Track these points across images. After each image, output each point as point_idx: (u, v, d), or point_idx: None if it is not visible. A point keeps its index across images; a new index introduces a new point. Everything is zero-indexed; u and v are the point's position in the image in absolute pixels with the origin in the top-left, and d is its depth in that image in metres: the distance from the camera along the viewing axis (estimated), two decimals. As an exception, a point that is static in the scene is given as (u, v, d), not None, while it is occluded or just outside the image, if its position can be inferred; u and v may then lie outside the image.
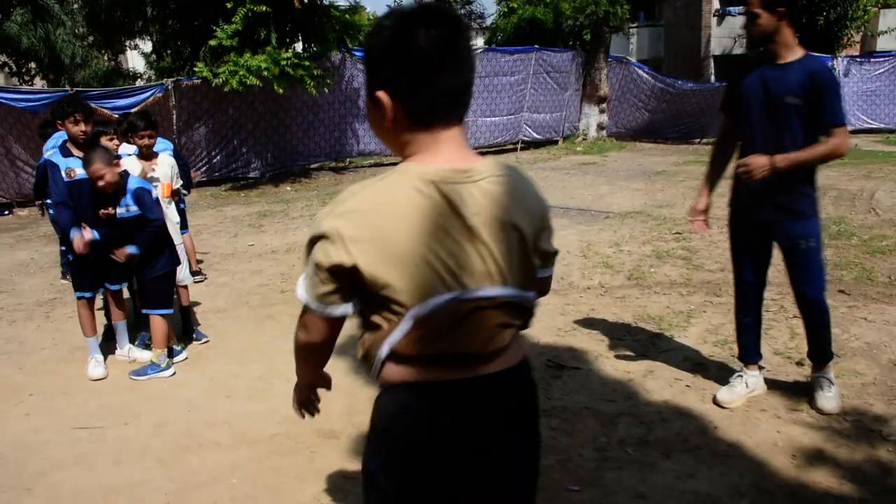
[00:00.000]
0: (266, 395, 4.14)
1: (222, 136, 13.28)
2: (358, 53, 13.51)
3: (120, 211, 4.38)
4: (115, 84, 14.73)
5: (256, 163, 13.68)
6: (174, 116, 12.56)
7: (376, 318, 1.49)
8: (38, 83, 16.34)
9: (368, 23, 14.15)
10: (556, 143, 16.91)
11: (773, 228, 3.52)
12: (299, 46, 13.41)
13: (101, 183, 4.21)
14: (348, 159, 14.92)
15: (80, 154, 4.54)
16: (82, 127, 4.59)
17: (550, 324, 5.07)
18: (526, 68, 15.74)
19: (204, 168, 13.52)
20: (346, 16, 12.67)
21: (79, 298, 4.67)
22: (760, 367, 3.86)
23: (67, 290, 6.10)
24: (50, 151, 5.28)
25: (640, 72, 17.14)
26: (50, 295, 6.50)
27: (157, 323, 4.52)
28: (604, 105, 17.09)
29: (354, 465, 3.28)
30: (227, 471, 3.33)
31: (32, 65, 16.34)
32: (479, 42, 22.55)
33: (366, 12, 14.01)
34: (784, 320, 4.88)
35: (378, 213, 1.43)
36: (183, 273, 5.17)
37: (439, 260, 1.44)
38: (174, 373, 4.54)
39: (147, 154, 5.11)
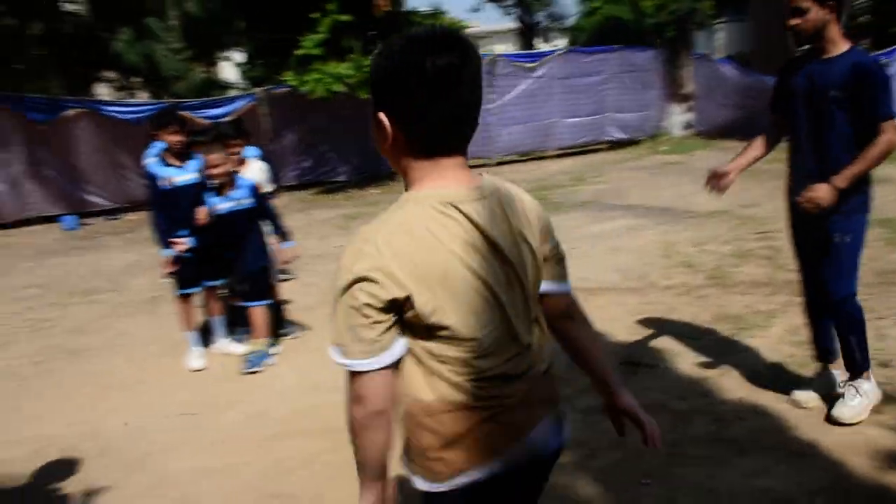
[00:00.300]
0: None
1: (310, 141, 13.79)
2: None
3: (230, 205, 4.75)
4: (210, 94, 15.43)
5: (343, 167, 14.14)
6: (265, 124, 13.12)
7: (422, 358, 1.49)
8: (142, 96, 17.41)
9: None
10: (640, 142, 16.69)
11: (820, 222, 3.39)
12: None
13: (214, 171, 4.64)
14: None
15: (178, 163, 4.93)
16: (178, 137, 4.96)
17: (628, 322, 5.12)
18: (608, 68, 15.60)
19: (294, 173, 14.07)
20: (427, 21, 12.95)
21: (179, 296, 5.06)
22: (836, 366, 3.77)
23: (169, 288, 6.55)
24: (150, 160, 5.69)
25: (726, 68, 16.71)
26: (154, 293, 6.97)
27: (259, 313, 4.89)
28: (688, 103, 16.75)
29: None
30: (313, 457, 3.57)
31: (137, 79, 17.42)
32: (560, 43, 22.48)
33: (446, 17, 14.16)
34: (871, 321, 4.77)
35: (411, 242, 1.41)
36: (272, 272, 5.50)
37: (482, 280, 1.46)
38: (273, 362, 4.87)
39: (238, 161, 5.45)
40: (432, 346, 1.46)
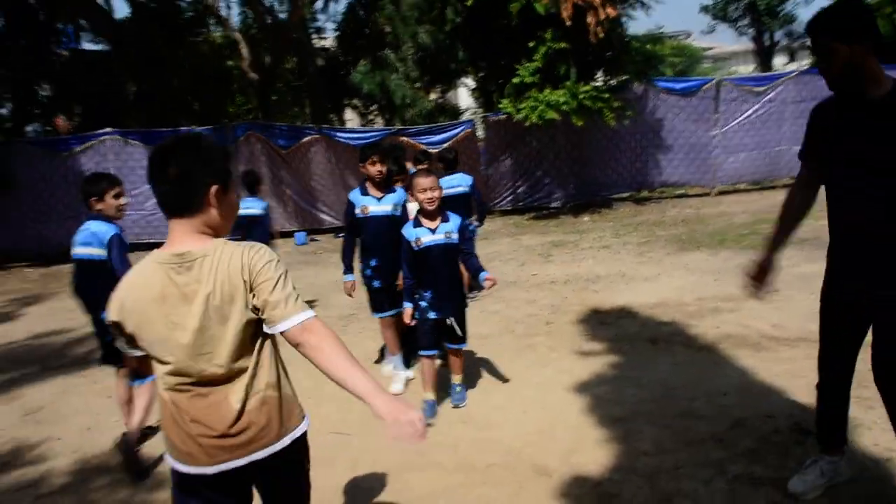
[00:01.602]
0: (498, 425, 4.25)
1: (526, 167, 13.92)
2: (661, 84, 13.26)
3: (437, 238, 4.33)
4: (437, 120, 16.17)
5: (558, 193, 14.09)
6: (482, 150, 13.48)
7: None
8: (378, 122, 18.79)
9: (671, 51, 13.83)
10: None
11: (874, 302, 2.82)
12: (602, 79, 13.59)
13: (427, 196, 4.25)
14: (650, 190, 14.62)
15: (377, 193, 5.08)
16: (378, 167, 5.02)
17: (803, 381, 4.47)
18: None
19: (509, 198, 14.28)
20: (648, 46, 12.52)
21: (380, 319, 5.23)
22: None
23: (365, 307, 6.90)
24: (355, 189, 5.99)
25: None
26: (350, 311, 7.39)
27: (461, 354, 4.72)
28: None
29: (557, 506, 3.27)
30: (439, 492, 3.52)
31: (374, 107, 18.82)
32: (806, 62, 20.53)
33: (668, 42, 13.59)
34: None
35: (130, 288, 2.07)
36: None
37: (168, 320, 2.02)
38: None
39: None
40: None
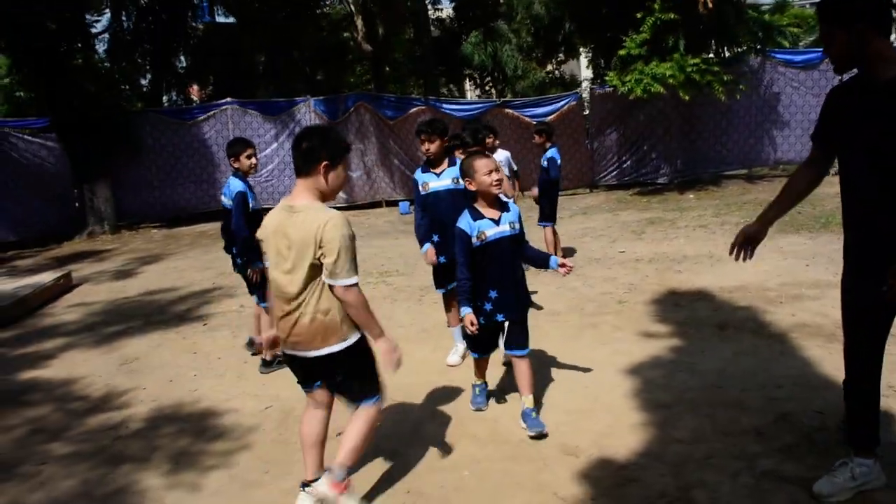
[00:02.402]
0: (540, 402, 4.27)
1: (633, 141, 13.55)
2: (779, 56, 12.45)
3: (503, 230, 3.86)
4: (548, 92, 15.97)
5: (665, 168, 13.64)
6: (587, 123, 13.23)
7: None
8: (493, 94, 18.71)
9: (791, 21, 12.87)
10: None
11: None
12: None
13: (494, 178, 3.77)
14: (765, 168, 13.85)
15: (436, 170, 5.13)
16: (429, 145, 5.03)
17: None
18: None
19: (614, 172, 13.96)
20: (766, 16, 11.76)
21: (442, 294, 5.34)
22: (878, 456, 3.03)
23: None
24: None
25: None
26: (429, 283, 7.54)
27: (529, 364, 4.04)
28: None
29: (572, 487, 3.29)
30: (465, 462, 3.61)
31: (488, 78, 18.77)
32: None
33: (792, 10, 12.69)
34: None
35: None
36: None
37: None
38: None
39: None
40: None
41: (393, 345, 3.06)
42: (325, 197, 3.03)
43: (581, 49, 17.19)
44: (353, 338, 3.07)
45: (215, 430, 4.31)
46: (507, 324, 4.00)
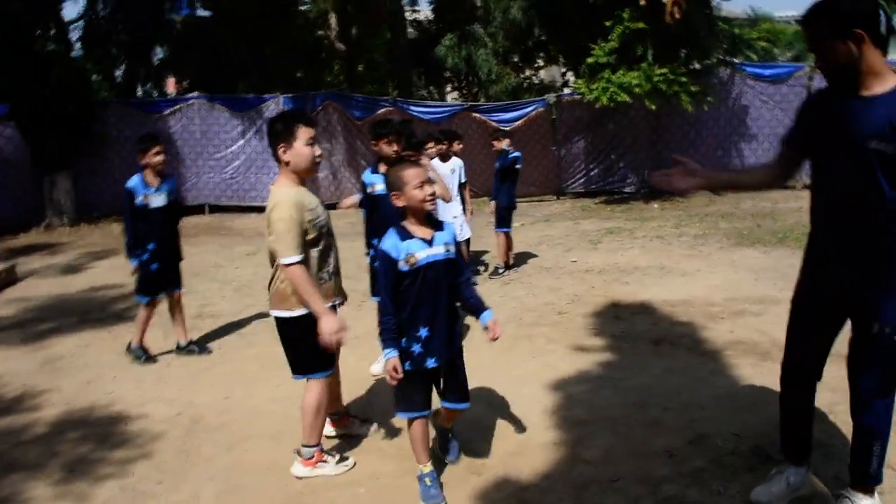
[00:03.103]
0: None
1: (600, 150, 13.48)
2: (748, 69, 12.43)
3: (437, 252, 3.16)
4: (523, 97, 15.88)
5: (632, 178, 13.59)
6: (554, 130, 13.15)
7: None
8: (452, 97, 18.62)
9: (761, 35, 12.86)
10: None
11: (852, 299, 2.71)
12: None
13: (425, 192, 3.12)
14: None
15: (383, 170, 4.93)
16: (395, 147, 4.85)
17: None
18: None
19: (581, 180, 13.89)
20: (737, 29, 11.73)
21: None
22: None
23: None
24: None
25: None
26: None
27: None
28: None
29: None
30: (364, 478, 3.48)
31: (464, 82, 18.65)
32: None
33: (764, 25, 12.66)
34: None
35: None
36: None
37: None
38: None
39: None
40: None
41: (335, 326, 3.22)
42: (298, 176, 3.37)
43: (559, 56, 17.16)
44: (298, 312, 3.34)
45: (120, 437, 4.15)
46: (441, 370, 3.30)
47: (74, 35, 18.87)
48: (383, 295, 3.15)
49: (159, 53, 22.63)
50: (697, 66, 12.35)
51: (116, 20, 18.84)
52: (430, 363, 3.18)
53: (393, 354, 3.11)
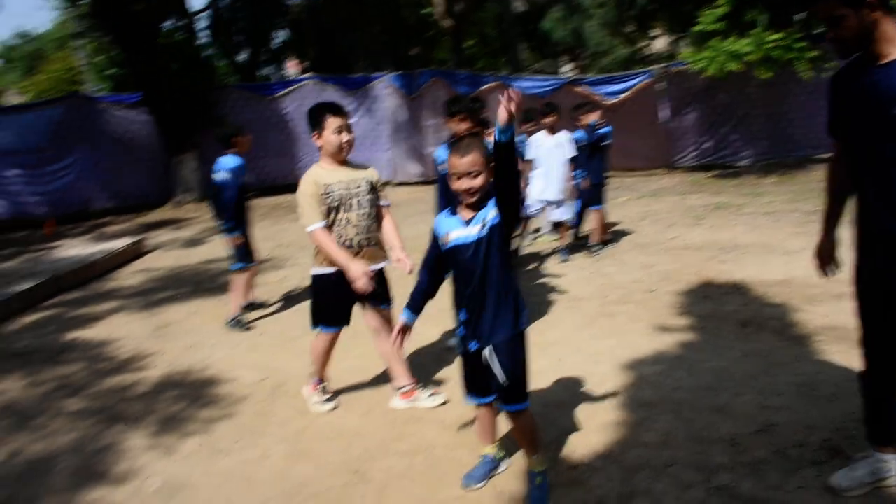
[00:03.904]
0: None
1: (712, 121, 12.90)
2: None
3: (470, 233, 2.95)
4: (634, 69, 15.42)
5: (747, 151, 12.92)
6: (662, 102, 12.68)
7: None
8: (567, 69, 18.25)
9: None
10: None
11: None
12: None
13: (463, 185, 2.93)
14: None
15: None
16: (466, 125, 4.82)
17: None
18: None
19: (693, 153, 13.37)
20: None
21: None
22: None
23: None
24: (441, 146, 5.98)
25: None
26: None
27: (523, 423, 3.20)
28: None
29: (513, 482, 3.22)
30: (422, 447, 3.60)
31: (564, 55, 18.29)
32: None
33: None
34: None
35: None
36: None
37: None
38: None
39: None
40: None
41: (356, 274, 3.69)
42: (332, 158, 3.93)
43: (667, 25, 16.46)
44: (314, 270, 3.98)
45: (208, 398, 4.49)
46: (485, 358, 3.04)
47: (201, 24, 19.96)
48: (422, 264, 3.20)
49: (279, 37, 23.63)
50: (819, 29, 11.50)
51: (238, 8, 19.79)
52: (472, 346, 3.06)
53: (404, 317, 3.19)
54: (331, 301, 4.01)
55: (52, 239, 11.62)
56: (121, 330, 6.14)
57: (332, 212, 3.87)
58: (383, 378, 4.45)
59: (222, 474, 3.54)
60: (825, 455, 3.24)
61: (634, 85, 12.75)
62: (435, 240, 3.13)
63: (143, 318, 6.48)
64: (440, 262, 3.13)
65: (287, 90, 14.89)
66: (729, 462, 3.26)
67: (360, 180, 3.94)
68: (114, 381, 4.93)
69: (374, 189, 4.03)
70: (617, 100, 12.85)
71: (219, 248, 9.68)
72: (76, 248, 9.77)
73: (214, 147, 14.34)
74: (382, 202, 4.09)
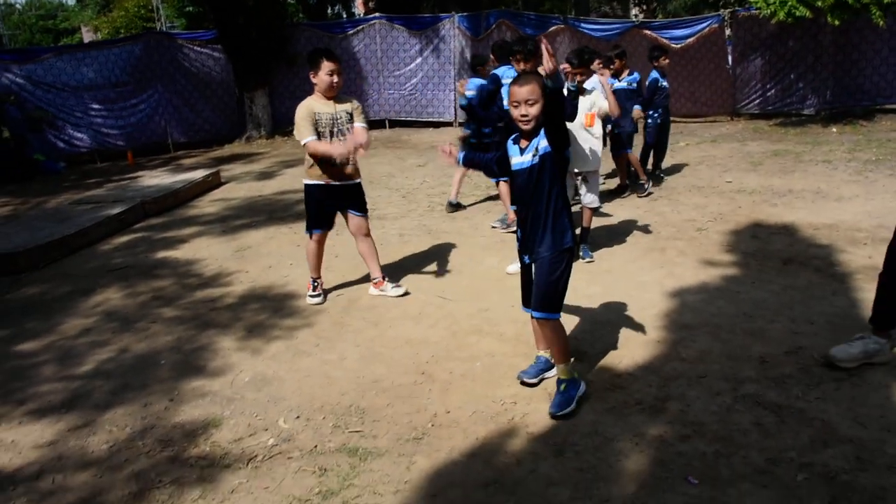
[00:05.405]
0: (573, 311, 4.52)
1: (779, 68, 12.75)
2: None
3: (524, 161, 3.36)
4: (702, 13, 15.20)
5: (812, 99, 12.77)
6: (730, 47, 12.57)
7: None
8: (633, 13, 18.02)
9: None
10: None
11: None
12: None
13: (519, 112, 3.26)
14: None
15: None
16: (522, 65, 5.25)
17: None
18: None
19: (757, 101, 13.26)
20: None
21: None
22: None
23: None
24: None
25: None
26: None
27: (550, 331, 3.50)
28: None
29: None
30: (482, 354, 4.05)
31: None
32: None
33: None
34: None
35: None
36: (588, 198, 5.74)
37: None
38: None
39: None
40: None
41: (338, 150, 4.61)
42: (322, 94, 4.74)
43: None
44: (305, 181, 4.95)
45: (290, 310, 5.01)
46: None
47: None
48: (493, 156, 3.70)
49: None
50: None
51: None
52: (526, 259, 3.52)
53: (461, 154, 3.77)
54: (316, 208, 4.97)
55: (132, 170, 12.36)
56: (204, 251, 6.72)
57: (320, 136, 4.72)
58: (449, 296, 4.91)
59: (305, 371, 4.05)
60: (846, 374, 3.57)
61: (701, 30, 12.66)
62: (505, 152, 3.52)
63: (224, 242, 7.05)
64: (500, 162, 3.57)
65: (356, 29, 15.19)
66: (756, 376, 3.62)
67: (341, 112, 4.79)
68: (203, 294, 5.50)
69: (352, 118, 4.81)
70: (682, 45, 12.78)
71: (288, 181, 10.26)
72: (157, 178, 10.42)
73: (285, 83, 14.91)
74: (357, 123, 4.81)
